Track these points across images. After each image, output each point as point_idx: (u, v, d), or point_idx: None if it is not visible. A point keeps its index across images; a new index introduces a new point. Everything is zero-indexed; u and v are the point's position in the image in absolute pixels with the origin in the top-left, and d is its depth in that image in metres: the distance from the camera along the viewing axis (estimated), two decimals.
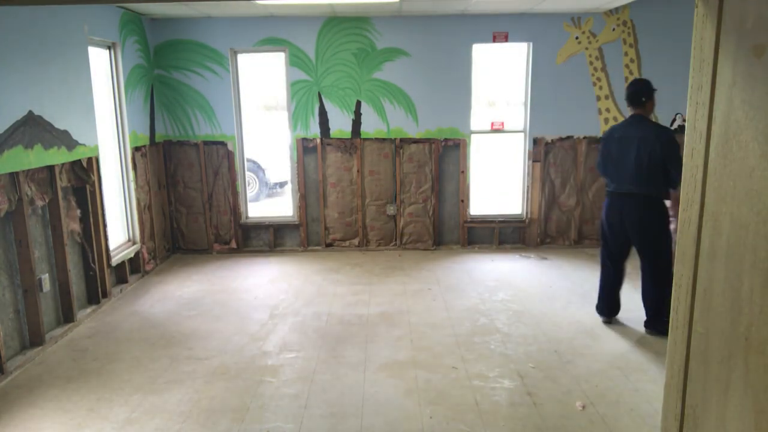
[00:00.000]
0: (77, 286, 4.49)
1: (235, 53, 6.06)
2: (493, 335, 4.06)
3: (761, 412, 1.03)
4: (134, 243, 5.47)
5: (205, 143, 6.13)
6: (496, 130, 6.34)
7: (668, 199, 3.91)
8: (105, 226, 4.80)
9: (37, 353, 3.85)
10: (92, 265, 4.61)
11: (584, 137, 6.11)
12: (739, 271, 1.09)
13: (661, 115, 6.03)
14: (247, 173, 9.03)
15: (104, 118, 5.07)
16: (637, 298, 4.75)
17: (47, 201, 4.07)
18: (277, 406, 3.19)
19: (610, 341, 3.92)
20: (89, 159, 4.58)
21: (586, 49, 5.95)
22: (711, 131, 1.14)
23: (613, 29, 5.90)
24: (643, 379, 3.39)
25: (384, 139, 6.16)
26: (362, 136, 6.15)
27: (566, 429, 2.93)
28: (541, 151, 6.16)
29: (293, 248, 6.37)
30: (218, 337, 4.11)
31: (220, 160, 6.18)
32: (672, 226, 3.98)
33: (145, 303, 4.85)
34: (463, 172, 6.23)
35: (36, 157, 3.91)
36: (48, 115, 4.06)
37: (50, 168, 4.09)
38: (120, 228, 5.36)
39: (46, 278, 4.06)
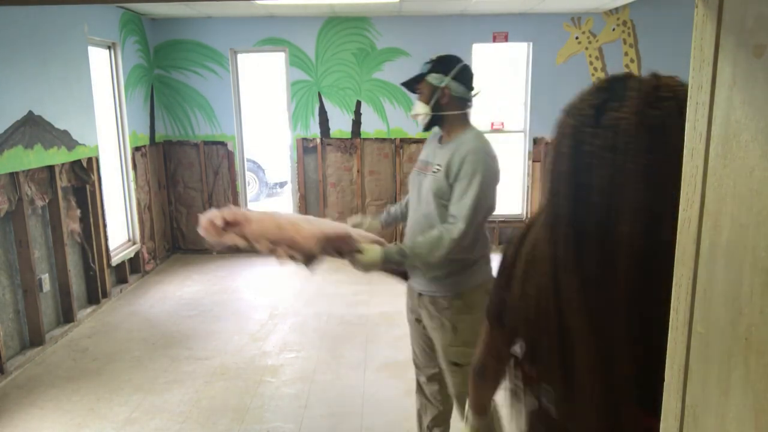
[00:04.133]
0: (77, 286, 4.48)
1: (235, 53, 6.06)
2: None
3: (761, 412, 1.03)
4: (134, 243, 5.46)
5: (205, 143, 6.13)
6: (496, 130, 6.33)
7: None
8: (105, 226, 4.80)
9: (37, 353, 3.84)
10: (92, 265, 4.61)
11: None
12: (739, 271, 1.09)
13: None
14: (247, 173, 9.03)
15: (104, 118, 5.07)
16: None
17: (47, 201, 4.06)
18: (277, 406, 3.19)
19: None
20: (89, 159, 4.58)
21: (586, 49, 5.95)
22: (711, 131, 1.14)
23: (613, 29, 5.90)
24: None
25: (384, 139, 6.16)
26: (362, 136, 6.15)
27: None
28: (541, 151, 6.15)
29: None
30: (218, 337, 4.11)
31: (220, 160, 6.17)
32: None
33: (145, 303, 4.84)
34: None
35: (36, 157, 3.91)
36: (48, 115, 4.05)
37: (50, 168, 4.09)
38: (120, 228, 5.35)
39: (46, 278, 4.05)
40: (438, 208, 2.13)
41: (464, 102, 2.20)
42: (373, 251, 2.05)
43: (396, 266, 2.21)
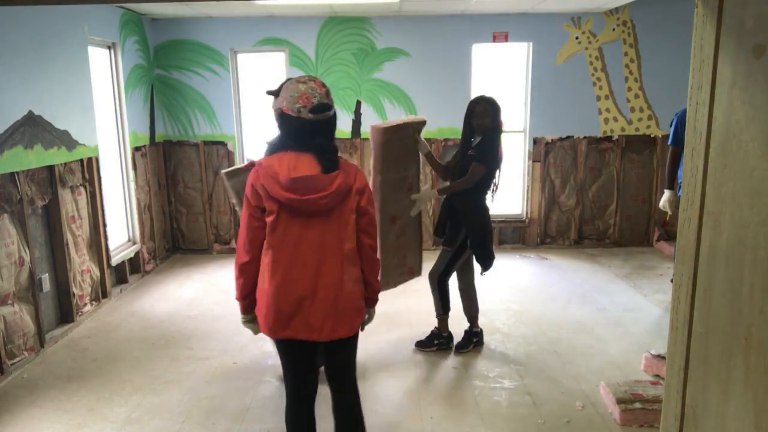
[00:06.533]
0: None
1: (235, 53, 6.06)
2: (493, 335, 4.06)
3: (761, 412, 1.03)
4: (134, 243, 5.46)
5: (205, 143, 6.13)
6: None
7: None
8: (105, 226, 4.80)
9: (37, 353, 3.84)
10: (92, 265, 4.60)
11: (584, 137, 6.11)
12: (739, 271, 1.09)
13: (662, 115, 6.04)
14: None
15: (104, 118, 5.07)
16: (639, 299, 4.75)
17: (47, 201, 4.06)
18: (277, 406, 3.19)
19: (610, 341, 3.92)
20: (89, 159, 4.58)
21: (586, 49, 5.95)
22: (711, 131, 1.14)
23: (613, 29, 5.90)
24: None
25: None
26: (362, 136, 6.15)
27: (566, 429, 2.93)
28: (541, 151, 6.16)
29: None
30: (218, 337, 4.11)
31: (220, 160, 6.17)
32: None
33: (145, 303, 4.84)
34: None
35: (36, 157, 3.91)
36: (48, 115, 4.05)
37: (50, 168, 4.09)
38: (120, 228, 5.35)
39: (46, 278, 4.06)
40: None
41: None
42: None
43: None
